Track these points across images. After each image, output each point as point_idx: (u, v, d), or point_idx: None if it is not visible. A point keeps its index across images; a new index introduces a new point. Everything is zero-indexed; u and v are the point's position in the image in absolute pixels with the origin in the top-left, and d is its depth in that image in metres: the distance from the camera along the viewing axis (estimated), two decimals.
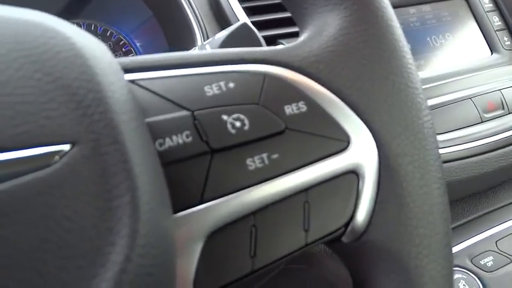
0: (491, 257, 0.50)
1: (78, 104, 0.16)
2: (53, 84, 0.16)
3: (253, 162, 0.21)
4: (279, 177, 0.21)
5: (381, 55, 0.24)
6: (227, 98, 0.21)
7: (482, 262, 0.49)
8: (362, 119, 0.23)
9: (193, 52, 0.23)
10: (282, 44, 0.54)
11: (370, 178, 0.23)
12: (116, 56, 0.67)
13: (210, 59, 0.22)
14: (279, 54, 0.24)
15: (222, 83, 0.22)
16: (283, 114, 0.22)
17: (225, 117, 0.21)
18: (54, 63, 0.17)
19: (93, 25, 0.66)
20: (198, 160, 0.20)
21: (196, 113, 0.21)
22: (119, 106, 0.17)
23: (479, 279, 0.48)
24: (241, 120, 0.21)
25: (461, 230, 0.54)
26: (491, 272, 0.49)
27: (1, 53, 0.16)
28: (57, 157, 0.16)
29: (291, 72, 0.23)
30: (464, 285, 0.47)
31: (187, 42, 0.55)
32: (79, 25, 0.64)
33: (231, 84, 0.22)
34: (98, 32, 0.66)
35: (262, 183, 0.21)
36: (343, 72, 0.23)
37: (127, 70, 0.21)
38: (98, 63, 0.18)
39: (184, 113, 0.20)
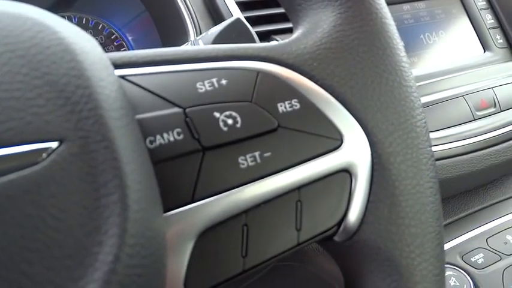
0: (481, 254, 0.50)
1: (66, 101, 0.16)
2: (41, 80, 0.16)
3: (245, 161, 0.20)
4: (271, 176, 0.21)
5: (375, 53, 0.24)
6: (219, 95, 0.21)
7: (472, 259, 0.50)
8: (355, 117, 0.23)
9: (185, 48, 0.23)
10: (276, 39, 0.54)
11: (363, 177, 0.22)
12: (107, 50, 0.66)
13: (203, 55, 0.22)
14: (273, 50, 0.23)
15: (214, 80, 0.21)
16: (276, 112, 0.22)
17: (217, 114, 0.21)
18: (42, 58, 0.16)
19: (84, 18, 0.65)
20: (190, 158, 0.20)
21: (187, 110, 0.20)
22: (108, 103, 0.17)
23: (469, 276, 0.48)
24: (234, 118, 0.21)
25: (452, 227, 0.54)
26: (481, 269, 0.49)
27: None
28: (44, 155, 0.15)
29: (284, 69, 0.23)
30: (455, 282, 0.47)
31: (180, 36, 0.54)
32: (70, 18, 0.63)
33: (224, 81, 0.21)
34: (90, 25, 0.65)
35: (254, 182, 0.20)
36: (336, 69, 0.23)
37: (117, 65, 0.21)
38: (88, 58, 0.17)
39: (175, 110, 0.20)
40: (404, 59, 0.25)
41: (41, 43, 0.17)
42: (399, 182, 0.22)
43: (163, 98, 0.20)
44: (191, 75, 0.21)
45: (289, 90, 0.22)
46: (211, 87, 0.21)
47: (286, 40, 0.25)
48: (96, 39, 0.67)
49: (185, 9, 0.54)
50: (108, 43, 0.66)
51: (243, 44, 0.24)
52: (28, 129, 0.15)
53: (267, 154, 0.21)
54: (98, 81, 0.17)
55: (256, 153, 0.21)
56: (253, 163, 0.20)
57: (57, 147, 0.15)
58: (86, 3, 0.62)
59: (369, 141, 0.23)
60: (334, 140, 0.22)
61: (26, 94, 0.16)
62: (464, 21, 0.69)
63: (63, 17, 0.63)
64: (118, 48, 0.66)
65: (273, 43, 0.24)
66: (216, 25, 0.54)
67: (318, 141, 0.22)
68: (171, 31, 0.56)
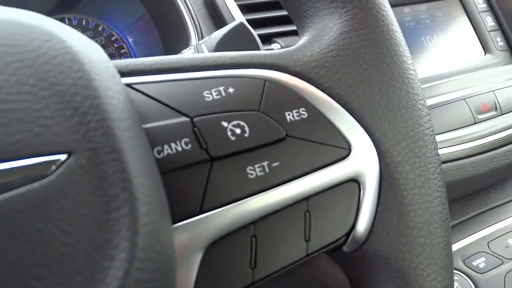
0: (483, 258, 0.50)
1: (74, 112, 0.16)
2: (48, 91, 0.16)
3: (254, 171, 0.20)
4: (279, 186, 0.21)
5: (382, 60, 0.24)
6: (227, 103, 0.21)
7: (474, 263, 0.50)
8: (363, 126, 0.23)
9: (192, 55, 0.22)
10: (278, 42, 0.54)
11: (371, 186, 0.22)
12: (107, 51, 0.66)
13: (209, 63, 0.22)
14: (280, 58, 0.23)
15: (221, 88, 0.21)
16: (284, 121, 0.21)
17: (224, 124, 0.20)
18: (49, 68, 0.16)
19: (84, 20, 0.64)
20: (197, 168, 0.19)
21: (195, 119, 0.20)
22: (116, 113, 0.17)
23: (471, 280, 0.48)
24: (242, 127, 0.21)
25: (453, 231, 0.54)
26: (483, 273, 0.49)
27: None
28: (53, 167, 0.15)
29: (291, 77, 0.23)
30: (457, 287, 0.47)
31: (182, 39, 0.54)
32: (70, 20, 0.63)
33: (231, 90, 0.21)
34: (90, 27, 0.65)
35: (263, 192, 0.20)
36: (344, 77, 0.23)
37: (123, 73, 0.20)
38: (95, 67, 0.17)
39: (183, 119, 0.20)
40: (411, 66, 0.25)
41: (48, 52, 0.16)
42: (407, 191, 0.22)
43: (171, 107, 0.20)
44: (198, 83, 0.21)
45: (297, 99, 0.22)
46: (218, 96, 0.21)
47: (293, 47, 0.24)
48: (96, 40, 0.67)
49: (186, 12, 0.54)
50: (108, 45, 0.66)
51: (249, 51, 0.23)
52: (36, 142, 0.15)
53: (275, 164, 0.21)
54: (106, 91, 0.17)
55: (265, 163, 0.21)
56: (262, 173, 0.20)
57: (66, 160, 0.15)
58: (88, 6, 0.61)
59: (376, 150, 0.22)
60: (342, 149, 0.22)
61: (33, 105, 0.15)
62: (465, 24, 0.69)
63: (63, 18, 0.62)
64: (118, 50, 0.66)
65: (279, 50, 0.24)
66: (218, 28, 0.54)
67: (326, 151, 0.22)
68: (173, 34, 0.56)
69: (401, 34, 0.25)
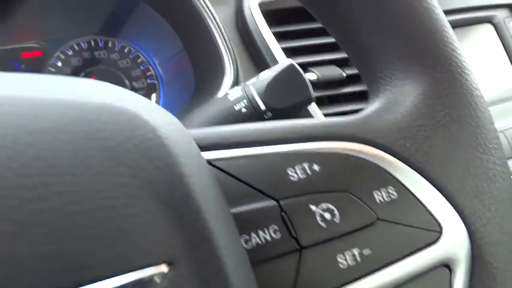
0: None
1: (172, 214, 0.14)
2: (144, 191, 0.14)
3: (345, 260, 0.19)
4: (370, 275, 0.19)
5: (468, 130, 0.22)
6: (313, 184, 0.19)
7: None
8: (452, 204, 0.21)
9: (269, 125, 0.21)
10: (314, 72, 0.52)
11: (462, 271, 0.21)
12: (133, 74, 0.64)
13: (293, 136, 0.20)
14: (360, 127, 0.22)
15: (305, 165, 0.20)
16: (373, 203, 0.20)
17: (313, 207, 0.19)
18: (143, 164, 0.15)
19: (110, 41, 0.63)
20: (287, 258, 0.18)
21: (282, 202, 0.19)
22: (212, 211, 0.15)
23: None
24: (331, 211, 0.19)
25: None
26: None
27: (91, 153, 0.14)
28: (157, 279, 0.14)
29: (375, 150, 0.21)
30: None
31: (215, 66, 0.53)
32: (96, 41, 0.62)
33: (316, 167, 0.20)
34: (116, 48, 0.63)
35: (353, 282, 0.19)
36: (430, 151, 0.22)
37: (201, 148, 0.19)
38: (186, 157, 0.16)
39: (270, 203, 0.19)
40: (495, 133, 0.23)
41: (141, 144, 0.15)
42: (500, 276, 0.21)
43: (255, 188, 0.19)
44: (281, 159, 0.20)
45: (384, 176, 0.21)
46: (303, 175, 0.20)
47: (370, 111, 0.23)
48: (122, 62, 0.66)
49: (220, 38, 0.52)
50: (134, 67, 0.65)
51: (327, 120, 0.22)
52: (138, 253, 0.14)
53: (366, 251, 0.19)
54: (200, 185, 0.15)
55: (355, 251, 0.19)
56: (353, 262, 0.19)
57: (169, 272, 0.14)
58: (127, 34, 0.61)
59: (467, 230, 0.21)
60: (433, 232, 0.21)
61: (131, 210, 0.14)
62: (498, 50, 0.68)
63: (89, 41, 0.61)
64: (144, 72, 0.64)
65: (356, 116, 0.23)
66: (252, 57, 0.53)
67: (416, 234, 0.20)
68: (205, 60, 0.55)
69: (484, 98, 0.24)
